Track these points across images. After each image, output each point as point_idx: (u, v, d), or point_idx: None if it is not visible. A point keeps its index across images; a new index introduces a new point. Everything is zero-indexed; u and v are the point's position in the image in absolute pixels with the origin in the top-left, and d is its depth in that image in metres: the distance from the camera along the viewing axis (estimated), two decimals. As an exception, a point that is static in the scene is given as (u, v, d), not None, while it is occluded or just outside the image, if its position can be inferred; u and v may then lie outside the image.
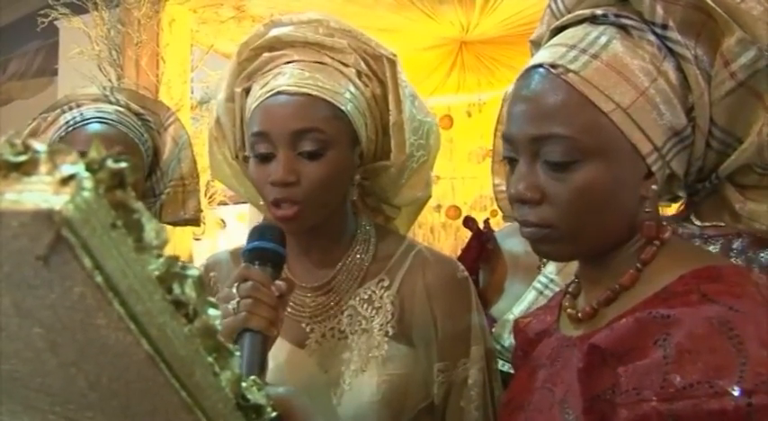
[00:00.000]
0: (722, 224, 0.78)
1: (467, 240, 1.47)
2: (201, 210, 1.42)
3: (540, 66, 0.73)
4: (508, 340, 1.19)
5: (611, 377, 0.66)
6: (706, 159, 0.75)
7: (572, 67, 0.71)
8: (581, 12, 0.76)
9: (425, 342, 0.99)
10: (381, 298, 1.00)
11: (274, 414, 0.53)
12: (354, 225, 1.05)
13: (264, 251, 0.85)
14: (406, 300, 1.00)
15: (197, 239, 3.45)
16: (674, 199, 0.82)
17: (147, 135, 1.30)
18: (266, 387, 0.54)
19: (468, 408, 1.00)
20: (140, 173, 1.28)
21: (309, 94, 0.93)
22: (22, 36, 4.71)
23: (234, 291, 0.82)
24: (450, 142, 4.32)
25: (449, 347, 1.00)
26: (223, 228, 4.06)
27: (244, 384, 0.49)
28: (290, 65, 0.97)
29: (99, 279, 0.34)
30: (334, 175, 0.94)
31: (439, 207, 4.51)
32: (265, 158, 0.94)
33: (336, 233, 1.03)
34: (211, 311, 0.42)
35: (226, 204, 3.74)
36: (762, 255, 1.00)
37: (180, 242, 3.07)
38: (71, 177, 0.32)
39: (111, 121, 1.24)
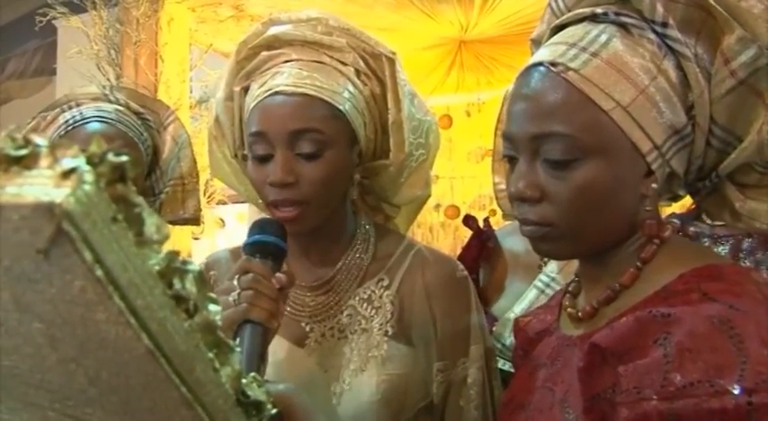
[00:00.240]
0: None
1: (466, 239, 1.46)
2: (201, 210, 1.41)
3: (540, 64, 0.73)
4: (509, 339, 1.19)
5: (611, 376, 0.66)
6: (706, 158, 0.75)
7: (572, 65, 0.71)
8: (581, 10, 0.76)
9: (425, 341, 0.99)
10: (381, 297, 1.00)
11: (274, 411, 0.53)
12: (354, 224, 1.05)
13: (266, 244, 0.85)
14: (405, 299, 1.00)
15: (196, 239, 3.45)
16: (675, 198, 0.82)
17: (147, 134, 1.30)
18: (267, 384, 0.54)
19: (467, 408, 1.00)
20: (141, 168, 1.28)
21: (307, 94, 0.93)
22: (21, 35, 4.71)
23: (234, 283, 0.82)
24: (450, 142, 4.32)
25: (448, 346, 1.00)
26: (222, 228, 4.06)
27: (244, 380, 0.49)
28: (288, 64, 0.96)
29: (99, 273, 0.34)
30: (333, 175, 0.94)
31: (438, 206, 4.51)
32: (263, 159, 0.94)
33: (336, 233, 1.02)
34: (212, 307, 0.42)
35: (225, 204, 3.73)
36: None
37: (179, 241, 3.07)
38: (72, 171, 0.32)
39: (110, 120, 1.24)
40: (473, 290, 1.04)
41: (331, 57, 0.98)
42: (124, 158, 0.35)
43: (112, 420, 0.45)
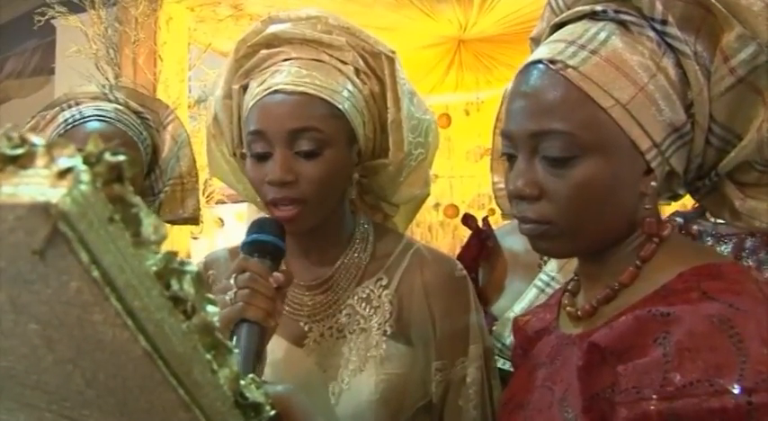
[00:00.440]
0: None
1: (465, 239, 1.46)
2: (200, 209, 1.41)
3: (540, 61, 0.73)
4: (509, 338, 1.19)
5: (610, 375, 0.65)
6: (705, 156, 0.75)
7: (571, 62, 0.71)
8: (580, 8, 0.76)
9: (423, 341, 0.99)
10: (380, 297, 1.00)
11: (273, 412, 0.53)
12: (352, 223, 1.05)
13: (264, 244, 0.85)
14: (404, 298, 1.00)
15: (195, 238, 3.45)
16: (674, 197, 0.82)
17: (146, 133, 1.30)
18: (265, 385, 0.54)
19: (466, 407, 1.00)
20: (139, 168, 1.28)
21: (307, 93, 0.93)
22: (19, 35, 4.71)
23: (231, 282, 0.81)
24: (449, 141, 4.32)
25: (447, 346, 1.00)
26: (221, 227, 4.06)
27: (242, 382, 0.49)
28: (287, 62, 0.96)
29: (96, 274, 0.34)
30: (332, 174, 0.94)
31: (437, 205, 4.52)
32: (262, 158, 0.94)
33: (335, 232, 1.02)
34: (210, 308, 0.42)
35: (224, 203, 3.74)
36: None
37: (178, 240, 3.07)
38: (68, 170, 0.32)
39: (110, 119, 1.23)
40: (472, 289, 1.04)
41: (330, 55, 0.98)
42: (121, 158, 0.34)
43: (110, 421, 0.45)
